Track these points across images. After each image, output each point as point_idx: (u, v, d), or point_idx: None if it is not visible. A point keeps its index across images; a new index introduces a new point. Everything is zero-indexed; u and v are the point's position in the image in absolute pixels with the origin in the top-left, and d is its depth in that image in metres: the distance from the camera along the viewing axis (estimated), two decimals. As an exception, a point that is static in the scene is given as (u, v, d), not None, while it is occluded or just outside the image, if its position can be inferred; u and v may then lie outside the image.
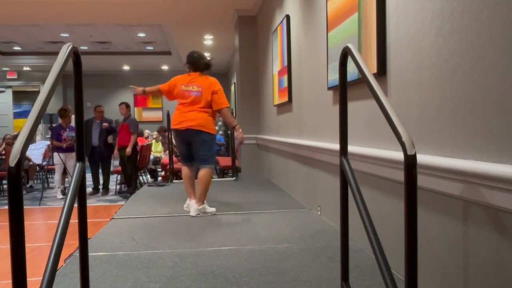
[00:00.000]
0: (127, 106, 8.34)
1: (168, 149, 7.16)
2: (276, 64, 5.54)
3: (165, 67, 14.66)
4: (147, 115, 15.47)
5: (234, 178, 6.91)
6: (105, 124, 8.31)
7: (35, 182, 10.42)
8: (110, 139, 8.40)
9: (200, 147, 4.05)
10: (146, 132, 12.28)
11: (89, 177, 8.36)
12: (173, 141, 4.32)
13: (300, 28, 4.41)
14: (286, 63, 4.94)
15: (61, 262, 2.22)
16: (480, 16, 1.66)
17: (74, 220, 1.63)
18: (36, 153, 9.98)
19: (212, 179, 4.20)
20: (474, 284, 1.74)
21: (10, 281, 1.24)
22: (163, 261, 2.71)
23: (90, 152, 8.39)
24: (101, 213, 6.82)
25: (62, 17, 7.78)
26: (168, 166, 7.29)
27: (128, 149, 7.96)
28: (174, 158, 7.62)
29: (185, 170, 4.20)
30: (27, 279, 1.25)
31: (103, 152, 8.39)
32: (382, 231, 2.46)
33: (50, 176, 10.18)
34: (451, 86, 1.86)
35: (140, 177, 9.00)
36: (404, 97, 2.29)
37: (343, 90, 2.07)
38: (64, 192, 8.39)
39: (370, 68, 2.43)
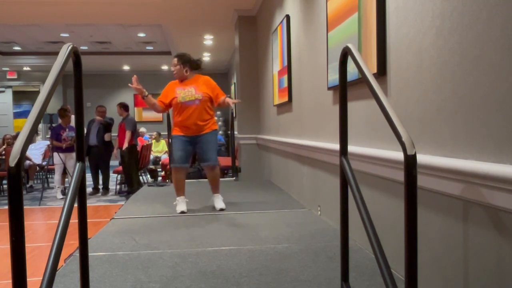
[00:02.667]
0: (121, 107, 8.29)
1: (168, 150, 7.16)
2: (276, 64, 5.54)
3: (165, 67, 14.65)
4: (147, 115, 15.46)
5: (234, 178, 6.91)
6: (98, 118, 8.27)
7: (35, 182, 10.42)
8: (107, 137, 8.38)
9: None
10: (142, 130, 12.25)
11: (89, 177, 8.36)
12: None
13: (300, 28, 4.41)
14: (286, 63, 4.94)
15: (61, 262, 2.22)
16: (480, 16, 1.66)
17: (74, 220, 1.63)
18: (36, 153, 9.98)
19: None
20: (474, 284, 1.74)
21: (10, 281, 1.24)
22: (163, 261, 2.71)
23: (87, 152, 8.38)
24: (101, 213, 6.83)
25: (62, 17, 7.78)
26: (168, 166, 7.29)
27: (125, 145, 7.94)
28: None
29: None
30: (27, 279, 1.25)
31: (100, 152, 8.37)
32: (382, 231, 2.46)
33: (50, 176, 10.18)
34: (451, 86, 1.86)
35: (140, 177, 9.00)
36: (404, 97, 2.29)
37: (343, 90, 2.07)
38: (64, 192, 8.39)
39: (370, 68, 2.42)
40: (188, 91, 4.17)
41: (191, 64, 4.25)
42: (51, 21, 8.57)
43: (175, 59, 4.26)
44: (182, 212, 4.14)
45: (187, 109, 4.14)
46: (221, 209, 4.19)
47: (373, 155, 2.58)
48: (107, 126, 8.38)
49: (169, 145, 6.99)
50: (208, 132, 4.21)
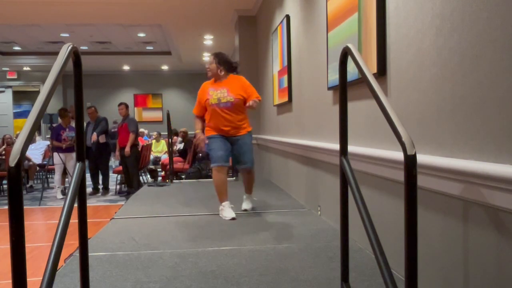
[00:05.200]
0: (126, 106, 8.32)
1: (168, 150, 7.16)
2: (276, 64, 5.54)
3: (165, 67, 14.66)
4: (147, 115, 15.47)
5: (234, 178, 6.91)
6: (94, 138, 8.26)
7: (35, 182, 10.42)
8: (102, 138, 8.37)
9: None
10: (142, 130, 12.24)
11: (88, 177, 8.36)
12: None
13: (300, 28, 4.41)
14: (286, 63, 4.93)
15: (61, 262, 2.22)
16: (480, 16, 1.66)
17: (74, 220, 1.63)
18: (36, 153, 9.98)
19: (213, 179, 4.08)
20: (474, 284, 1.74)
21: (10, 281, 1.24)
22: (163, 261, 2.71)
23: (86, 153, 8.39)
24: (101, 213, 6.82)
25: (62, 17, 7.78)
26: (168, 166, 7.29)
27: (127, 149, 7.94)
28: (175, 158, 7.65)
29: None
30: (27, 279, 1.25)
31: (96, 152, 8.36)
32: (382, 231, 2.46)
33: (50, 176, 10.18)
34: (451, 86, 1.86)
35: (140, 177, 9.00)
36: (404, 97, 2.29)
37: (343, 90, 2.07)
38: (64, 192, 8.39)
39: (370, 68, 2.42)
40: (221, 92, 3.97)
41: (226, 65, 4.06)
42: (51, 21, 8.58)
43: (212, 57, 4.09)
44: (233, 219, 3.82)
45: (220, 112, 3.95)
46: (245, 210, 4.15)
47: (373, 155, 2.58)
48: (103, 130, 8.38)
49: (169, 145, 6.99)
50: (244, 134, 4.04)
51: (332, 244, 2.99)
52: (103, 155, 8.50)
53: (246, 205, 4.23)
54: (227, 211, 3.89)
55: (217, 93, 3.99)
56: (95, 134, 8.27)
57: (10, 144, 9.23)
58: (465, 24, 1.76)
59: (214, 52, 4.18)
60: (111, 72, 15.15)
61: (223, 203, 3.94)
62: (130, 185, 8.18)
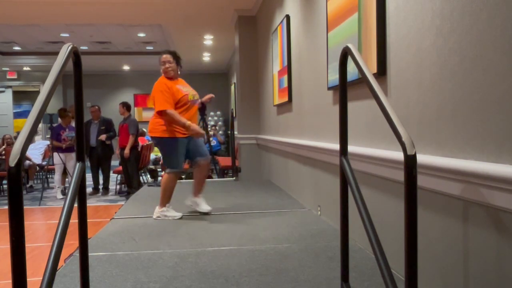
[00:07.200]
0: (124, 106, 8.30)
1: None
2: (276, 64, 5.54)
3: (165, 67, 14.63)
4: (147, 115, 15.45)
5: (234, 178, 6.91)
6: (102, 137, 8.27)
7: (35, 182, 10.42)
8: (107, 140, 8.39)
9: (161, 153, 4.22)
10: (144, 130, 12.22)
11: (89, 177, 8.36)
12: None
13: (300, 28, 4.41)
14: (286, 63, 4.93)
15: (61, 262, 2.22)
16: (480, 16, 1.66)
17: (74, 220, 1.63)
18: (36, 153, 9.98)
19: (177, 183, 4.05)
20: (474, 284, 1.74)
21: (10, 281, 1.24)
22: (163, 261, 2.71)
23: (89, 153, 8.41)
24: (101, 213, 6.82)
25: (62, 17, 7.78)
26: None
27: (126, 151, 7.95)
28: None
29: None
30: (27, 279, 1.25)
31: (100, 153, 8.38)
32: (382, 231, 2.46)
33: (50, 176, 10.18)
34: (451, 86, 1.86)
35: (140, 177, 9.00)
36: (404, 97, 2.29)
37: (343, 90, 2.07)
38: (64, 192, 8.39)
39: (370, 68, 2.43)
40: (190, 90, 4.06)
41: (180, 65, 4.12)
42: (51, 21, 8.57)
43: (170, 56, 4.00)
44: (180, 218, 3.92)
45: (192, 109, 4.02)
46: (208, 212, 4.03)
47: (373, 155, 2.58)
48: (108, 130, 8.39)
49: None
50: None
51: (332, 244, 2.99)
52: (107, 155, 8.51)
53: (206, 206, 4.06)
54: (172, 212, 3.95)
55: (187, 90, 4.02)
56: (104, 135, 8.27)
57: (10, 144, 9.23)
58: (465, 24, 1.76)
59: (168, 50, 4.13)
60: (111, 72, 15.15)
61: (168, 205, 3.97)
62: (130, 185, 8.18)
